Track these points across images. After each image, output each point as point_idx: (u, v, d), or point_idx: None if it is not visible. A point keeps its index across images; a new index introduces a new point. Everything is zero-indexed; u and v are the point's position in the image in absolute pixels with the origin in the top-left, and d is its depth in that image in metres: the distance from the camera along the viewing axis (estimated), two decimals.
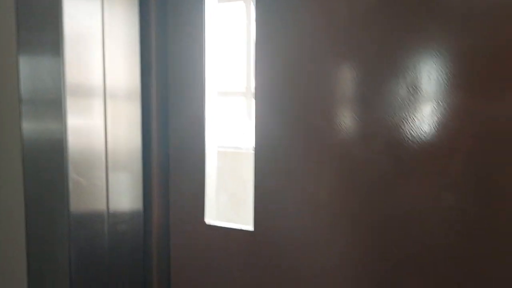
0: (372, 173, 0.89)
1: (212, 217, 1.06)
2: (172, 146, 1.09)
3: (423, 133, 0.84)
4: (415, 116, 0.84)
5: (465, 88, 0.80)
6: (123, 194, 1.01)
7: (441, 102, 0.82)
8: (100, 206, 0.96)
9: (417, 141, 0.84)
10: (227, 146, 1.15)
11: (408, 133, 0.85)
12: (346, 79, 0.90)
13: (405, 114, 0.85)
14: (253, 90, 1.00)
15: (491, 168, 0.80)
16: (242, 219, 1.03)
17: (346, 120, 0.90)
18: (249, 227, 1.00)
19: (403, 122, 0.85)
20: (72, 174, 0.87)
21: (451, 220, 0.83)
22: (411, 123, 0.84)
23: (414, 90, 0.84)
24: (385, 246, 0.89)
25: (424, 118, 0.83)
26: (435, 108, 0.82)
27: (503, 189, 0.79)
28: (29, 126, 0.92)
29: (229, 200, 1.05)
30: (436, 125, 0.82)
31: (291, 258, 0.97)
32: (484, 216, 0.81)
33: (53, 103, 0.87)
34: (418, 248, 0.86)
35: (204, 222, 1.04)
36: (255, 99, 0.98)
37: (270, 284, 0.99)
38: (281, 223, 0.97)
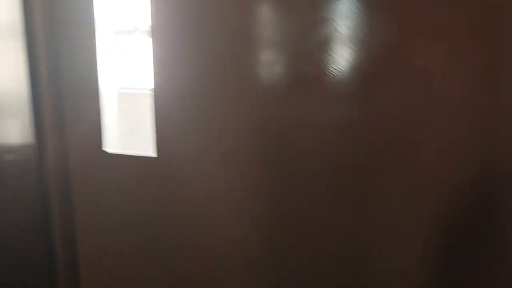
0: (271, 95, 0.96)
1: (113, 146, 1.12)
2: (65, 82, 1.09)
3: (339, 66, 0.91)
4: (332, 53, 0.90)
5: (380, 26, 0.87)
6: (9, 127, 1.05)
7: (356, 40, 0.89)
8: None
9: (333, 74, 0.91)
10: (130, 87, 1.17)
11: (325, 67, 0.91)
12: (257, 17, 0.93)
13: (321, 51, 0.90)
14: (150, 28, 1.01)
15: (389, 97, 0.91)
16: (146, 148, 1.10)
17: (251, 55, 0.95)
18: (152, 153, 1.08)
19: (318, 56, 0.91)
20: None
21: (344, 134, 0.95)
22: (327, 58, 0.91)
23: (332, 28, 0.89)
24: (278, 160, 1.00)
25: (340, 54, 0.90)
26: (350, 46, 0.89)
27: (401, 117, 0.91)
28: None
29: (132, 131, 1.12)
30: (351, 60, 0.90)
31: (194, 180, 1.06)
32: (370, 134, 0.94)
33: None
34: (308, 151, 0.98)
35: (104, 151, 1.10)
36: (152, 38, 1.01)
37: (174, 206, 1.09)
38: (184, 148, 1.05)
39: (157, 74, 1.02)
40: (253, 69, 0.97)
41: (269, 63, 0.96)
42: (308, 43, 0.92)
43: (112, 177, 1.11)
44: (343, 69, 0.91)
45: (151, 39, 1.02)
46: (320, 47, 0.91)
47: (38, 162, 1.10)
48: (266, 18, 0.94)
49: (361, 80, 0.91)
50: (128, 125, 1.09)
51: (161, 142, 1.06)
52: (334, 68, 0.92)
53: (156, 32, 1.00)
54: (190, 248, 1.10)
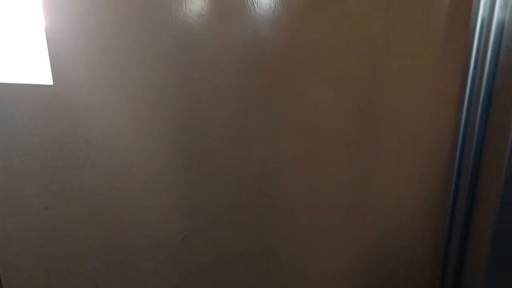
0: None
1: (6, 75, 1.04)
2: None
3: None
4: None
5: None
6: None
7: None
8: None
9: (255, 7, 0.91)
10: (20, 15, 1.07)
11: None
12: None
13: None
14: None
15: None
16: (42, 76, 1.04)
17: None
18: (48, 81, 1.01)
19: None
20: None
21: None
22: None
23: None
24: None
25: None
26: None
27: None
28: None
29: (26, 59, 1.07)
30: None
31: (97, 107, 1.03)
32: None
33: None
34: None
35: None
36: None
37: (78, 135, 1.05)
38: (82, 75, 1.00)
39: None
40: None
41: None
42: None
43: (9, 108, 1.07)
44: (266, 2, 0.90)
45: None
46: None
47: None
48: None
49: (284, 14, 0.91)
50: (20, 53, 1.04)
51: (56, 69, 0.99)
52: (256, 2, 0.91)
53: None
54: (98, 176, 1.09)
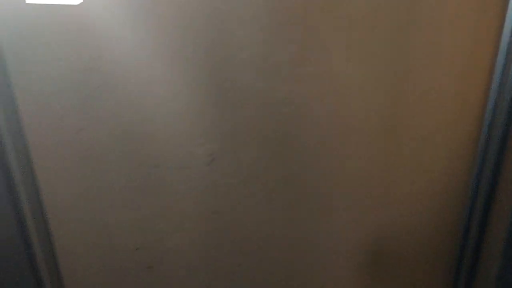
0: None
1: None
2: None
3: None
4: None
5: None
6: None
7: None
8: None
9: None
10: None
11: None
12: None
13: None
14: None
15: None
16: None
17: None
18: (76, 1, 0.99)
19: None
20: None
21: None
22: None
23: None
24: None
25: None
26: None
27: None
28: None
29: None
30: None
31: (121, 28, 1.02)
32: None
33: None
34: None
35: (26, 3, 1.01)
36: None
37: (102, 58, 1.06)
38: None
39: None
40: None
41: None
42: None
43: (38, 31, 1.08)
44: None
45: None
46: None
47: None
48: None
49: None
50: None
51: None
52: None
53: None
54: (128, 99, 1.10)
